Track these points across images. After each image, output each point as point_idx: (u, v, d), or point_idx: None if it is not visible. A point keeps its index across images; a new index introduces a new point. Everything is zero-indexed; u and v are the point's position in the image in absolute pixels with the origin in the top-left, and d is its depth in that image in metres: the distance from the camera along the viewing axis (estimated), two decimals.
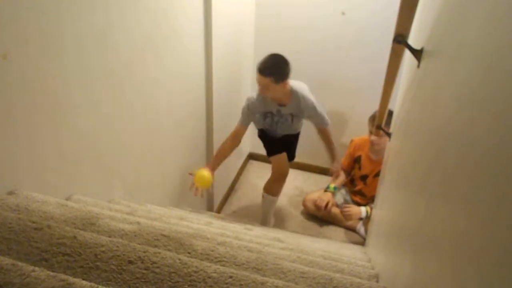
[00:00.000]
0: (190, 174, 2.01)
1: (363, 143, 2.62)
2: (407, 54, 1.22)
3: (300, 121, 2.29)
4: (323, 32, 2.71)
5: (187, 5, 1.72)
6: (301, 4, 2.65)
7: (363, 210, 2.51)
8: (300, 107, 2.12)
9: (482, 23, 0.54)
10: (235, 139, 2.18)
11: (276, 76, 1.94)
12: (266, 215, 2.53)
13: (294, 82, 2.12)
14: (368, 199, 2.66)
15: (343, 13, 2.61)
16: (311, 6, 2.65)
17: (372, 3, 2.53)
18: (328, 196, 2.62)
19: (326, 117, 2.21)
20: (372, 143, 2.44)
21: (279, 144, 2.35)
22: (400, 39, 1.06)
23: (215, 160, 2.13)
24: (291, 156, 2.47)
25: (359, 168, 2.65)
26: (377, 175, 2.53)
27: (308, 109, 2.13)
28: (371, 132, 2.41)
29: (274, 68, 1.94)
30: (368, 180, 2.62)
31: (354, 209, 2.54)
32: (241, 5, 2.50)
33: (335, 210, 2.73)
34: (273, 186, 2.41)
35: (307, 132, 3.06)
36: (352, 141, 2.72)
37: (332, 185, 2.68)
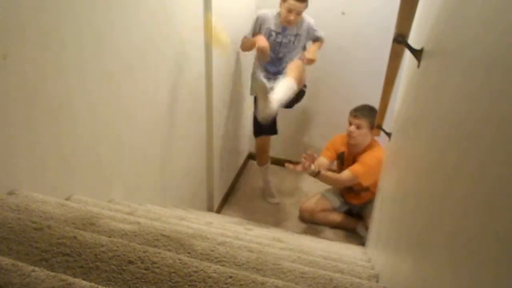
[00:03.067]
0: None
1: (345, 139, 2.60)
2: (407, 54, 1.22)
3: (300, 46, 2.42)
4: (323, 32, 2.71)
5: (187, 4, 1.72)
6: None
7: (312, 167, 2.31)
8: (302, 26, 2.37)
9: (482, 22, 0.54)
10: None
11: (307, 3, 2.28)
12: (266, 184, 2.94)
13: None
14: (360, 196, 2.62)
15: (343, 13, 2.61)
16: (311, 6, 2.64)
17: (372, 3, 2.53)
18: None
19: (322, 33, 2.45)
20: (349, 134, 2.40)
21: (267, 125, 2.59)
22: (400, 39, 1.06)
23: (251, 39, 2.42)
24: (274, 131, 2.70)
25: (342, 164, 2.60)
26: (351, 164, 2.49)
27: (309, 28, 2.39)
28: (350, 123, 2.41)
29: None
30: None
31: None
32: (241, 3, 2.50)
33: (334, 216, 2.71)
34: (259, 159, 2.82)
35: (307, 133, 3.07)
36: (336, 136, 2.67)
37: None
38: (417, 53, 1.08)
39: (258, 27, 2.38)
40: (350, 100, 2.91)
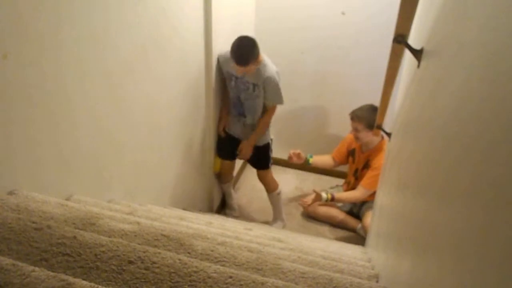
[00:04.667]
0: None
1: None
2: (407, 54, 1.22)
3: (261, 95, 2.20)
4: (323, 32, 2.71)
5: (186, 4, 1.72)
6: (301, 4, 2.65)
7: (323, 195, 2.53)
8: (261, 76, 2.12)
9: (482, 22, 0.54)
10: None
11: (252, 61, 2.00)
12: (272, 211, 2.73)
13: (266, 57, 2.17)
14: None
15: (343, 13, 2.61)
16: (311, 6, 2.65)
17: (372, 3, 2.53)
18: (314, 197, 2.63)
19: (278, 98, 2.21)
20: (356, 138, 2.51)
21: (232, 149, 2.44)
22: (400, 39, 1.05)
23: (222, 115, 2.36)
24: (261, 165, 2.54)
25: (353, 161, 2.68)
26: (364, 167, 2.58)
27: (267, 80, 2.13)
28: (354, 129, 2.47)
29: (249, 55, 1.98)
30: (358, 173, 2.66)
31: (311, 197, 2.62)
32: (241, 4, 2.50)
33: (334, 212, 2.72)
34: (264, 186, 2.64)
35: (306, 133, 3.07)
36: (348, 135, 2.76)
37: (311, 159, 2.71)
38: (417, 53, 1.08)
39: (219, 69, 2.22)
40: (350, 99, 2.91)
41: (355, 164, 2.66)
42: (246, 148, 2.33)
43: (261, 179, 2.59)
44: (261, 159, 2.49)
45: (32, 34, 0.89)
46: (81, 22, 1.04)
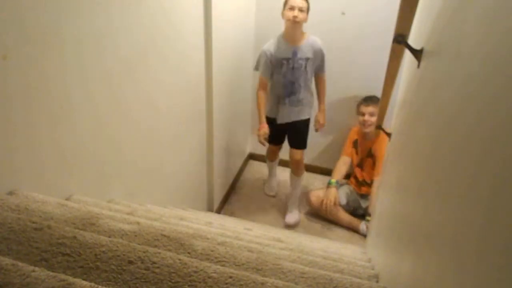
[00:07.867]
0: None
1: (359, 128, 2.73)
2: (407, 54, 1.22)
3: (311, 71, 2.45)
4: (323, 32, 2.70)
5: (187, 3, 1.72)
6: None
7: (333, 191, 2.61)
8: (314, 48, 2.39)
9: (482, 22, 0.54)
10: (264, 88, 2.49)
11: (308, 5, 2.30)
12: (292, 194, 2.79)
13: None
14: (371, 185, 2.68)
15: (343, 13, 2.61)
16: (311, 6, 2.64)
17: (372, 3, 2.53)
18: (333, 193, 2.61)
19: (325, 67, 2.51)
20: (364, 123, 2.57)
21: (282, 134, 2.65)
22: (400, 39, 1.06)
23: (261, 114, 2.49)
24: (299, 144, 2.63)
25: (357, 153, 2.73)
26: (367, 155, 2.63)
27: (319, 52, 2.40)
28: (363, 113, 2.57)
29: None
30: (363, 164, 2.69)
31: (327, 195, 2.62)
32: (241, 4, 2.50)
33: (343, 215, 2.72)
34: (293, 169, 2.70)
35: (310, 134, 3.06)
36: (351, 130, 2.83)
37: (333, 180, 2.69)
38: (417, 53, 1.08)
39: (268, 63, 2.38)
40: (350, 100, 2.91)
41: (359, 154, 2.71)
42: (320, 117, 2.57)
43: (294, 159, 2.62)
44: (302, 135, 2.59)
45: (32, 34, 0.89)
46: (82, 22, 1.04)
